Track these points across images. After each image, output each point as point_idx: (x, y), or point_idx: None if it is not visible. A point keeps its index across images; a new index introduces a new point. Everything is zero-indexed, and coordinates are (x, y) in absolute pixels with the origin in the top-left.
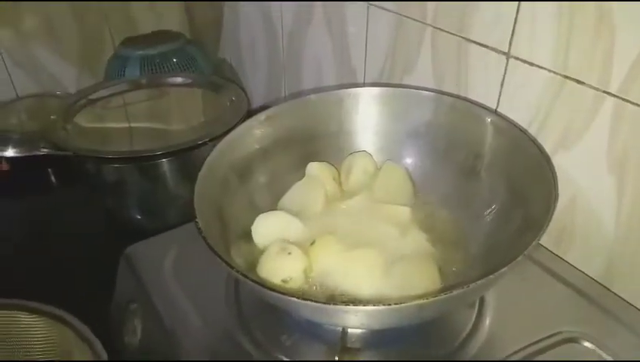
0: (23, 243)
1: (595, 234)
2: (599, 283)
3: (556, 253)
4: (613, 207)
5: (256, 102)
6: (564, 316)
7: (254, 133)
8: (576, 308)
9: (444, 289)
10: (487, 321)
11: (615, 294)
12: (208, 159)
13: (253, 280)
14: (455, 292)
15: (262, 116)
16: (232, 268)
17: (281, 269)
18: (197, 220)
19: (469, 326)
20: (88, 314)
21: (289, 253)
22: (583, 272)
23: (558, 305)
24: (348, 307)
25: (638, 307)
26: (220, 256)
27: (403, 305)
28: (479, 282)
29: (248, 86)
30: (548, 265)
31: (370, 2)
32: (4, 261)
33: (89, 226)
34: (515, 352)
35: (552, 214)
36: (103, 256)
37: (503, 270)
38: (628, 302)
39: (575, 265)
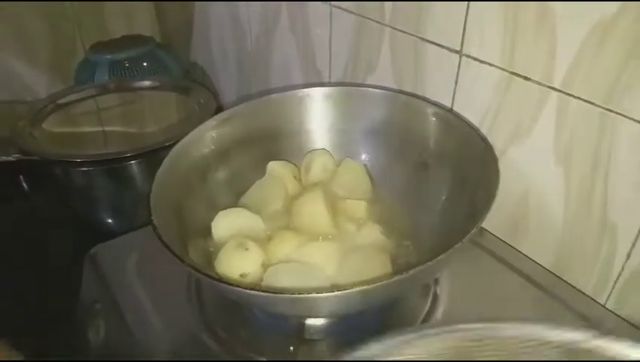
0: None
1: (546, 225)
2: (551, 273)
3: (511, 244)
4: (561, 198)
5: (227, 104)
6: (514, 303)
7: (214, 132)
8: (526, 295)
9: (387, 277)
10: (441, 309)
11: (566, 282)
12: (167, 159)
13: (205, 274)
14: (395, 279)
15: (222, 116)
16: (184, 262)
17: (238, 264)
18: (152, 218)
19: (423, 314)
20: (54, 315)
21: (246, 249)
22: (536, 262)
23: (510, 293)
24: (294, 296)
25: (586, 293)
26: (172, 251)
27: (346, 291)
28: (417, 269)
29: (220, 88)
30: (503, 256)
31: (332, 4)
32: None
33: (58, 230)
34: None
35: (492, 202)
36: (71, 258)
37: (441, 257)
38: (577, 289)
39: (529, 256)
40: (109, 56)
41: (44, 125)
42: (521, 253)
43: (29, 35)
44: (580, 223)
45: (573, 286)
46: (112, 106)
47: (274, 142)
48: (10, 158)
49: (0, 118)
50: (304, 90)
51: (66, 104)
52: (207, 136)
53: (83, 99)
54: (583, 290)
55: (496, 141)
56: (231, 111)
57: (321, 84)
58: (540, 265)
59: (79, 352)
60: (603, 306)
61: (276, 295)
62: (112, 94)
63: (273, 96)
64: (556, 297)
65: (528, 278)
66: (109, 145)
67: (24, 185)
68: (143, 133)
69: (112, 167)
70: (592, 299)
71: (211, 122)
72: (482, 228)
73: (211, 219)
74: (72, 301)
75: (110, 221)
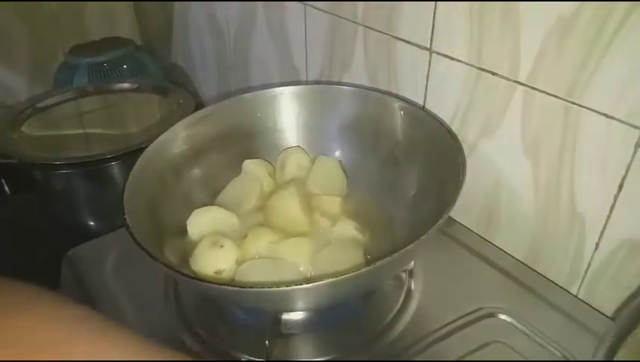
0: None
1: (518, 217)
2: (524, 264)
3: (485, 237)
4: (530, 189)
5: (208, 104)
6: (486, 294)
7: (188, 132)
8: (499, 286)
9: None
10: (415, 301)
11: (538, 273)
12: (140, 159)
13: (177, 271)
14: (364, 270)
15: (196, 116)
16: (157, 259)
17: (213, 261)
18: (125, 217)
19: (398, 306)
20: None
21: (221, 246)
22: (510, 254)
23: (483, 284)
24: (263, 290)
25: (558, 284)
26: (145, 250)
27: (315, 284)
28: (385, 260)
29: (200, 88)
30: (477, 249)
31: (306, 3)
32: None
33: (38, 233)
34: (439, 329)
35: (458, 193)
36: (49, 261)
37: (408, 248)
38: (549, 280)
39: (502, 248)
40: (88, 59)
41: (24, 128)
42: (494, 245)
43: (7, 38)
44: (549, 215)
45: (545, 277)
46: (92, 109)
47: (249, 140)
48: None
49: None
50: (276, 88)
51: (46, 107)
52: (181, 135)
53: (62, 102)
54: (555, 281)
55: (467, 136)
56: (205, 110)
57: (297, 83)
58: (513, 256)
59: None
60: (575, 296)
61: (246, 289)
62: (91, 97)
63: (246, 95)
64: (529, 288)
65: (502, 270)
66: (89, 147)
67: (5, 188)
68: (123, 135)
69: (91, 169)
70: (564, 290)
71: (185, 122)
72: (456, 221)
73: (187, 218)
74: None
75: (91, 223)
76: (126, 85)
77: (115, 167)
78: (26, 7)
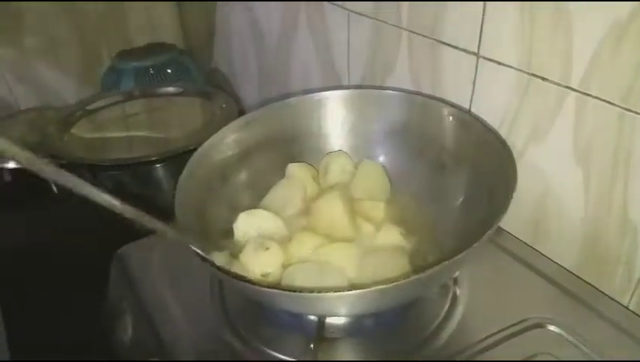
0: (27, 250)
1: (566, 225)
2: (572, 273)
3: (532, 245)
4: (581, 198)
5: (248, 109)
6: (534, 304)
7: (234, 136)
8: (546, 296)
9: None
10: (460, 310)
11: (586, 282)
12: (188, 163)
13: (226, 272)
14: (413, 278)
15: (242, 120)
16: (207, 260)
17: (259, 264)
18: (177, 218)
19: (442, 314)
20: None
21: (267, 248)
22: (557, 263)
23: (530, 293)
24: (313, 295)
25: (608, 294)
26: (196, 251)
27: (363, 290)
28: (434, 269)
29: (241, 94)
30: (523, 257)
31: (349, 8)
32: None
33: (87, 232)
34: (484, 339)
35: (509, 203)
36: (99, 259)
37: (458, 257)
38: (599, 290)
39: (550, 257)
40: (134, 64)
41: (73, 130)
42: (541, 254)
43: (58, 45)
44: (600, 223)
45: (595, 287)
46: (137, 112)
47: (293, 144)
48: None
49: (31, 124)
50: (322, 93)
51: (94, 110)
52: (228, 140)
53: (110, 105)
54: (605, 291)
55: (516, 142)
56: (250, 115)
57: (339, 87)
58: (561, 266)
59: (110, 352)
60: (626, 307)
61: (296, 293)
62: (137, 100)
63: (291, 99)
64: (577, 298)
65: (549, 279)
66: (134, 149)
67: (54, 188)
68: (168, 138)
69: (138, 170)
70: (615, 300)
71: (231, 127)
72: (502, 230)
73: (233, 221)
74: (101, 300)
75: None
76: (171, 89)
77: (160, 170)
78: (74, 14)
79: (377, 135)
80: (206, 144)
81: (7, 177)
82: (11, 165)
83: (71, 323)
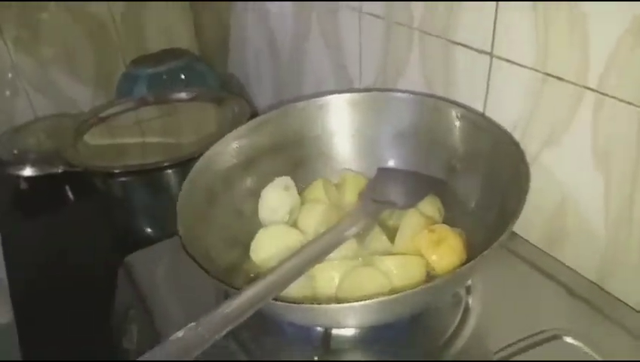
0: (40, 256)
1: (586, 232)
2: (592, 282)
3: (549, 252)
4: (601, 203)
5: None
6: (552, 314)
7: (238, 142)
8: (565, 306)
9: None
10: (472, 320)
11: (607, 292)
12: (192, 170)
13: (223, 282)
14: (422, 287)
15: (247, 126)
16: (208, 273)
17: None
18: (178, 228)
19: (455, 323)
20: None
21: None
22: (576, 271)
23: (547, 303)
24: (319, 306)
25: (630, 304)
26: (199, 264)
27: (372, 301)
28: (446, 276)
29: (255, 100)
30: (540, 265)
31: (362, 9)
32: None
33: (100, 238)
34: (499, 351)
35: (521, 209)
36: (107, 266)
37: (470, 264)
38: (620, 300)
39: (568, 265)
40: (148, 70)
41: (87, 137)
42: (560, 261)
43: (74, 52)
44: (622, 230)
45: (616, 297)
46: (151, 118)
47: (300, 148)
48: (57, 170)
49: (47, 131)
50: (327, 96)
51: (108, 117)
52: (231, 146)
53: (124, 112)
54: (626, 301)
55: (530, 145)
56: (255, 121)
57: (345, 91)
58: (581, 274)
59: (116, 358)
60: None
61: (295, 305)
62: (151, 106)
63: (297, 104)
64: (597, 308)
65: (567, 288)
66: (148, 156)
67: (69, 194)
68: (181, 144)
69: (149, 177)
70: (637, 311)
71: (235, 133)
72: (518, 236)
73: (238, 228)
74: (108, 307)
75: (148, 229)
76: (184, 95)
77: (173, 175)
78: (89, 23)
79: (385, 138)
80: (209, 151)
81: (23, 185)
82: (28, 173)
83: (80, 330)
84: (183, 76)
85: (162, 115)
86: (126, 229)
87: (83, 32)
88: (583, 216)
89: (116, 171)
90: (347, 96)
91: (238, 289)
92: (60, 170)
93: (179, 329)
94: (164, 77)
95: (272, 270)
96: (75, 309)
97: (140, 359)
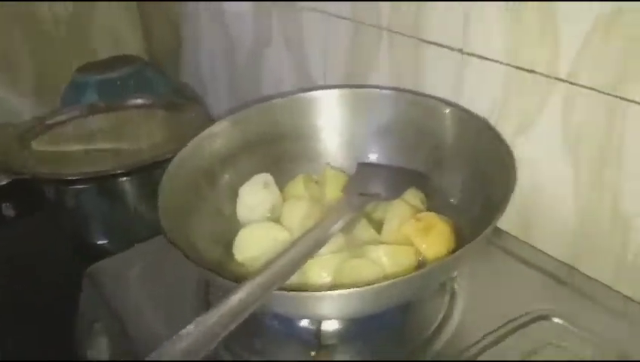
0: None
1: (557, 216)
2: (566, 264)
3: (523, 238)
4: (571, 188)
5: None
6: (533, 297)
7: (218, 139)
8: (544, 288)
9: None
10: (459, 308)
11: (582, 273)
12: (170, 166)
13: (216, 272)
14: (409, 276)
15: (226, 122)
16: (200, 265)
17: None
18: (163, 226)
19: (442, 313)
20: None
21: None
22: (550, 255)
23: (527, 287)
24: (307, 294)
25: (604, 282)
26: (189, 257)
27: (359, 289)
28: (433, 266)
29: (211, 108)
30: (515, 251)
31: (327, 10)
32: None
33: (52, 252)
34: (488, 334)
35: (509, 199)
36: (67, 280)
37: (456, 254)
38: (595, 279)
39: (542, 249)
40: (97, 77)
41: (34, 145)
42: (534, 247)
43: (12, 60)
44: (592, 213)
45: (591, 277)
46: (102, 126)
47: (279, 145)
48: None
49: None
50: (309, 92)
51: (55, 124)
52: (215, 140)
53: (73, 119)
54: (601, 280)
55: (504, 135)
56: (240, 114)
57: (325, 87)
58: (556, 258)
59: None
60: (623, 294)
61: (291, 293)
62: (102, 114)
63: (278, 100)
64: (576, 289)
65: (545, 272)
66: (100, 163)
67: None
68: (135, 150)
69: (104, 184)
70: (612, 289)
71: (219, 125)
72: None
73: (218, 226)
74: (70, 322)
75: (103, 239)
76: (136, 101)
77: (128, 183)
78: (28, 28)
79: (367, 134)
80: (186, 147)
81: None
82: None
83: (41, 345)
84: (133, 83)
85: (114, 122)
86: (81, 240)
87: (21, 38)
88: (554, 200)
89: (70, 178)
90: (330, 92)
91: (233, 281)
92: (3, 182)
93: (156, 336)
94: (114, 84)
95: (267, 266)
96: (33, 325)
97: (147, 359)
